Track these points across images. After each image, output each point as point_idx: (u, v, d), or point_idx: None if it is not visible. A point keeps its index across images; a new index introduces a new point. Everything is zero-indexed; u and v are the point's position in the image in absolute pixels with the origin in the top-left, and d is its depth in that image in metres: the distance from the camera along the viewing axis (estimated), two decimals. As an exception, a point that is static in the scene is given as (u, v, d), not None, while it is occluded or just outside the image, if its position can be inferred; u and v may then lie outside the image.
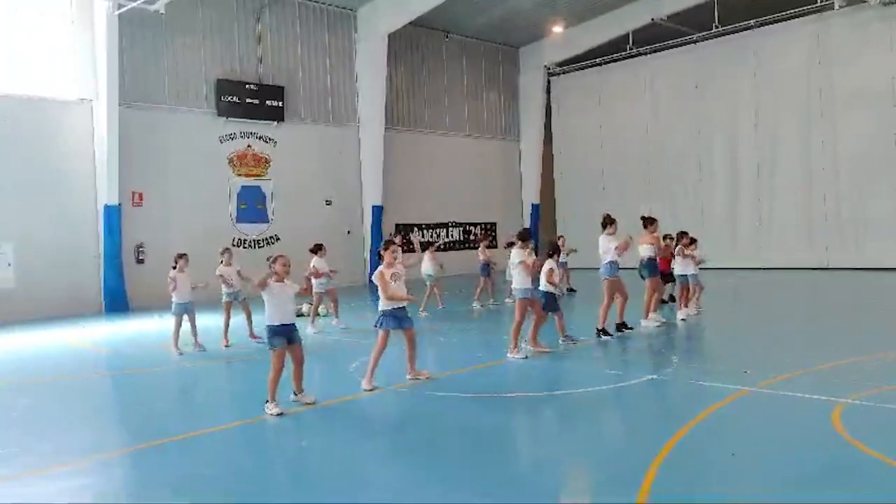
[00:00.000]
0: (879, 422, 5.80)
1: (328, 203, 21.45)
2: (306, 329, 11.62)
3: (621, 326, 10.32)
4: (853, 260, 19.70)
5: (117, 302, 16.65)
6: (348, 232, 21.56)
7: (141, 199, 17.63)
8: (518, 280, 8.95)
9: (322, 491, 4.83)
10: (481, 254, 14.98)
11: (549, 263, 9.32)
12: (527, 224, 27.02)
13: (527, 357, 8.81)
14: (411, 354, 7.76)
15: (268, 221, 20.14)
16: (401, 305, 7.52)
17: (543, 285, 9.26)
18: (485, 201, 26.07)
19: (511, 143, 27.39)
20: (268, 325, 6.74)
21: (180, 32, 18.41)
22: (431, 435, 6.11)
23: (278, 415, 6.53)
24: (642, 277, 11.06)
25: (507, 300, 15.17)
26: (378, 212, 21.96)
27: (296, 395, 6.97)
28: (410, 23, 21.55)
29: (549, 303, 9.32)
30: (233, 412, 7.32)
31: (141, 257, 17.42)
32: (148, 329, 13.71)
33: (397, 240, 9.45)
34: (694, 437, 5.60)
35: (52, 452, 5.92)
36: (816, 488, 4.49)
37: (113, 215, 16.67)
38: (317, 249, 12.10)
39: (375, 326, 7.60)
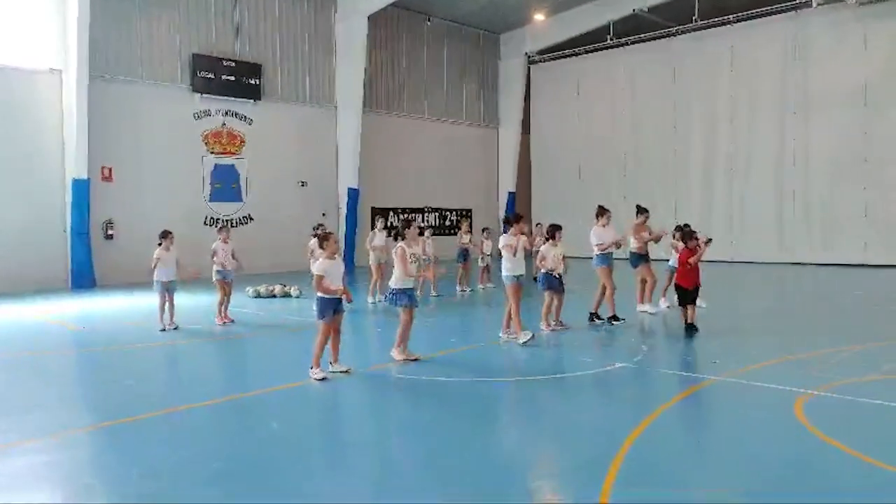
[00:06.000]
0: (839, 412, 5.93)
1: (303, 184, 21.25)
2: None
3: (612, 318, 10.26)
4: (821, 256, 20.07)
5: (84, 278, 16.33)
6: (323, 214, 21.35)
7: (111, 175, 17.27)
8: (506, 265, 8.89)
9: (292, 475, 4.80)
10: (462, 238, 14.94)
11: (543, 249, 9.41)
12: (502, 212, 27.08)
13: (533, 336, 8.83)
14: (406, 335, 7.84)
15: (241, 201, 19.89)
16: (411, 286, 7.71)
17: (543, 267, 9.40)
18: (461, 187, 26.03)
19: (489, 130, 27.35)
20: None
21: (156, 4, 17.98)
22: (400, 420, 6.10)
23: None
24: (634, 266, 11.23)
25: (479, 286, 15.18)
26: (354, 195, 21.81)
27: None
28: (392, 4, 21.30)
29: (552, 284, 9.42)
30: (209, 390, 7.24)
31: (110, 233, 17.10)
32: (116, 306, 13.48)
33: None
34: (661, 424, 5.67)
35: (17, 429, 5.80)
36: (775, 474, 4.57)
37: (82, 190, 16.31)
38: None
39: (391, 304, 7.83)
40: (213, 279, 10.98)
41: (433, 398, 6.70)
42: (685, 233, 9.83)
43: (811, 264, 19.96)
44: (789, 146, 20.96)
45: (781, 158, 21.12)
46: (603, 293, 10.36)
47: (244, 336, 10.17)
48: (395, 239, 7.89)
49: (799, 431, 5.41)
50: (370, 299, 13.05)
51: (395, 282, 7.68)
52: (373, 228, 15.35)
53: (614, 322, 10.15)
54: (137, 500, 4.37)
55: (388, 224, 16.95)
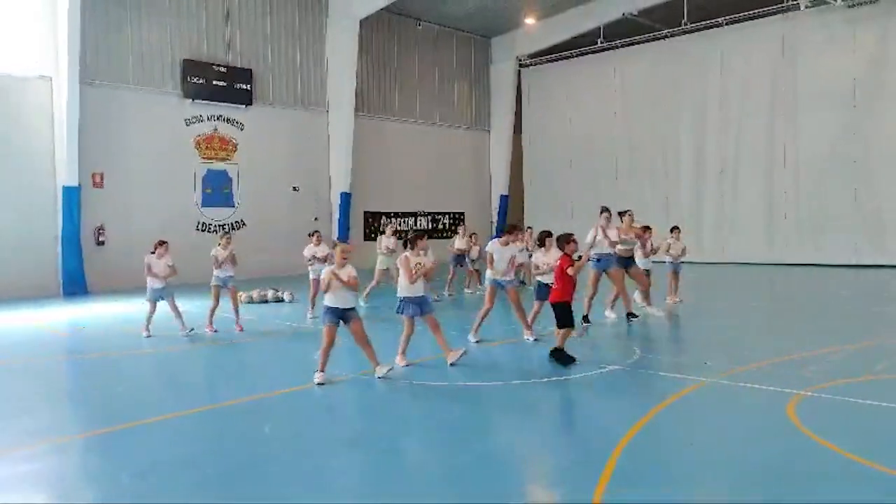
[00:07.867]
0: (832, 413, 5.97)
1: (295, 189, 21.22)
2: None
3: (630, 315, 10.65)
4: (812, 256, 20.18)
5: (75, 285, 16.26)
6: (315, 219, 21.34)
7: (102, 181, 17.20)
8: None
9: (276, 480, 4.79)
10: (470, 244, 15.09)
11: (534, 257, 9.44)
12: (495, 215, 27.16)
13: (538, 339, 9.11)
14: (441, 340, 7.89)
15: (233, 206, 19.85)
16: (421, 294, 7.81)
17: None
18: (454, 191, 26.06)
19: (481, 134, 27.39)
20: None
21: (146, 10, 17.95)
22: (391, 425, 6.09)
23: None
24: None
25: (466, 291, 15.21)
26: (346, 199, 21.80)
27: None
28: (383, 8, 21.35)
29: (540, 294, 9.32)
30: (207, 395, 7.22)
31: (101, 239, 17.03)
32: (108, 312, 13.40)
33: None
34: (654, 426, 5.68)
35: (7, 436, 5.77)
36: (768, 475, 4.59)
37: (72, 196, 16.24)
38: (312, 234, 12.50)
39: (397, 313, 7.91)
40: (211, 284, 10.78)
41: (425, 401, 6.70)
42: (560, 237, 8.03)
43: (801, 265, 20.05)
44: (779, 147, 21.09)
45: (771, 159, 21.25)
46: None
47: (238, 342, 10.13)
48: (405, 247, 8.04)
49: (791, 432, 5.44)
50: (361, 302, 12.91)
51: (401, 290, 7.80)
52: (382, 233, 15.31)
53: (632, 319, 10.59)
54: (131, 500, 4.37)
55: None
